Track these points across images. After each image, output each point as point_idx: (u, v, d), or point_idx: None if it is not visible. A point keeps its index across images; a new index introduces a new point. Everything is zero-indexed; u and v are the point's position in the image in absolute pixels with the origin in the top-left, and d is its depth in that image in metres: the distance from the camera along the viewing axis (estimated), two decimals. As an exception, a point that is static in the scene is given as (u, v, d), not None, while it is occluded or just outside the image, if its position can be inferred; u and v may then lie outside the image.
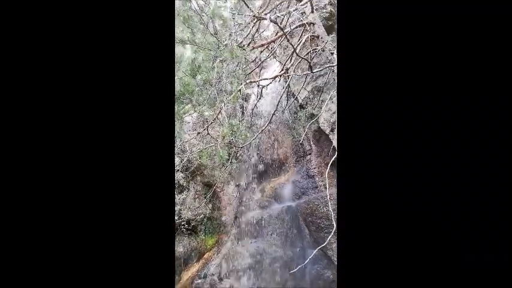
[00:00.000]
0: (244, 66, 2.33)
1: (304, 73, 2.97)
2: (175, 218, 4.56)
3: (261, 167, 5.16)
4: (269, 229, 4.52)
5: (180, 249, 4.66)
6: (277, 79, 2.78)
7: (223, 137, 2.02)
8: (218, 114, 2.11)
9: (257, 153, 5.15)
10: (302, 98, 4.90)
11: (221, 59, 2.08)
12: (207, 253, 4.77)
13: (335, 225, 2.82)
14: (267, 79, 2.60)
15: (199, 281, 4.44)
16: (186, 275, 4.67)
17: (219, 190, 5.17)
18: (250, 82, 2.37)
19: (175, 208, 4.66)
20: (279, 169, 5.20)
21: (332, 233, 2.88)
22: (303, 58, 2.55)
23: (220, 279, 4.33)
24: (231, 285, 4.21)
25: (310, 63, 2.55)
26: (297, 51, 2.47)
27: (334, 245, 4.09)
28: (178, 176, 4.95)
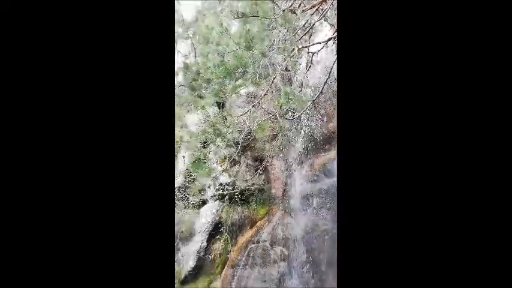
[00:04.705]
0: (295, 32, 2.24)
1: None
2: (230, 188, 4.98)
3: (310, 141, 5.09)
4: (319, 202, 4.54)
5: (235, 216, 5.15)
6: (330, 43, 2.60)
7: (281, 106, 2.03)
8: (271, 84, 2.11)
9: (306, 127, 5.06)
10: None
11: (272, 27, 2.05)
12: (259, 221, 5.14)
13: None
14: (319, 43, 2.44)
15: (253, 245, 4.87)
16: (241, 240, 5.19)
17: (268, 164, 5.35)
18: (303, 47, 2.26)
19: (229, 179, 5.07)
20: (329, 144, 5.02)
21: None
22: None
23: (272, 246, 4.66)
24: (282, 252, 4.49)
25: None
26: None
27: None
28: (231, 150, 5.30)
